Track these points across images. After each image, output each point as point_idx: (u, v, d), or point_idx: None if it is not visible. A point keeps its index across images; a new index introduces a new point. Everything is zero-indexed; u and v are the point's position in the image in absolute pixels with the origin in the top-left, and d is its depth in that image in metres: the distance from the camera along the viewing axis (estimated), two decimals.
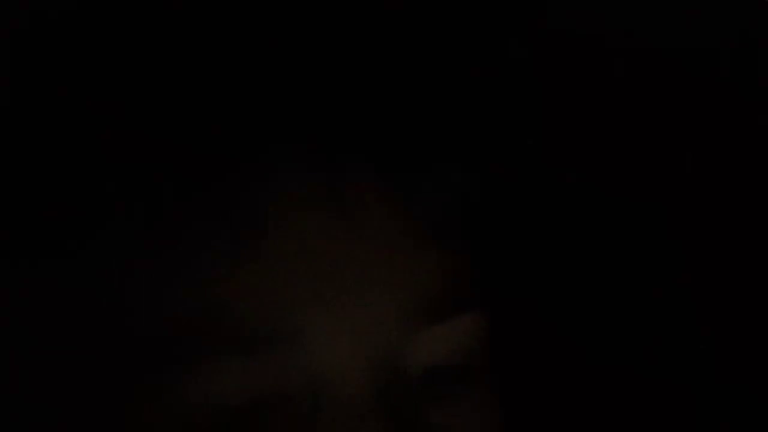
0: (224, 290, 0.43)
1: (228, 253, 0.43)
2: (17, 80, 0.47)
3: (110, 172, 0.44)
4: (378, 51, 0.47)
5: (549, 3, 0.56)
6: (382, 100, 0.46)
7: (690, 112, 0.58)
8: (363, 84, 0.46)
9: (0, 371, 0.45)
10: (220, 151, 0.44)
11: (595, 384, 0.56)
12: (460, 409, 0.46)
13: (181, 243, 0.43)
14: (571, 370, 0.55)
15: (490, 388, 0.47)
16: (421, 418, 0.45)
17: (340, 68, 0.46)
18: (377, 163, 0.45)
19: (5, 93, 0.47)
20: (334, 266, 0.44)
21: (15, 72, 0.47)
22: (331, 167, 0.44)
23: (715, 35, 0.57)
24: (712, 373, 0.58)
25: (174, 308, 0.43)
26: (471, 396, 0.46)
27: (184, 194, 0.44)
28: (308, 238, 0.44)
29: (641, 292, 0.58)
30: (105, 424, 0.44)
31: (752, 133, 0.58)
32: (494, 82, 0.51)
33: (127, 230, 0.44)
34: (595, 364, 0.56)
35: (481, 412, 0.46)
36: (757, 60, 0.57)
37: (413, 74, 0.48)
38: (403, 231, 0.45)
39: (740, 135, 0.58)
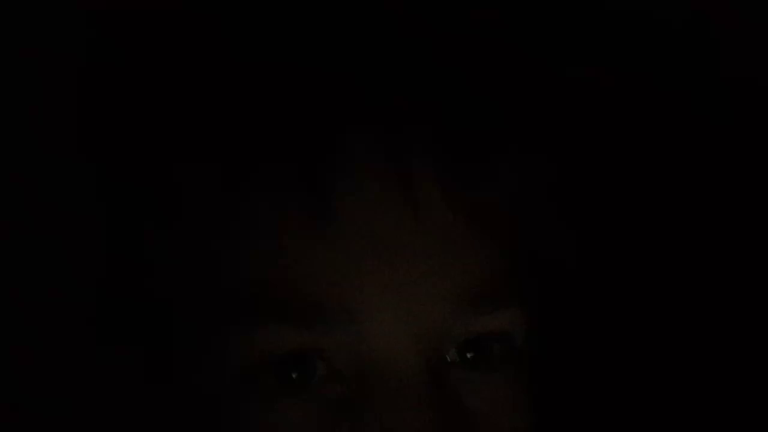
0: (291, 263, 0.45)
1: (299, 228, 0.45)
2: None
3: (195, 149, 0.47)
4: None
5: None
6: (453, 100, 0.48)
7: (690, 114, 0.58)
8: (436, 82, 0.48)
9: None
10: (301, 133, 0.46)
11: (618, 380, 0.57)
12: (495, 393, 0.48)
13: (256, 214, 0.46)
14: (594, 367, 0.56)
15: (525, 377, 0.49)
16: (462, 398, 0.47)
17: (417, 66, 0.48)
18: (443, 159, 0.47)
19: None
20: (394, 251, 0.46)
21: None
22: (401, 159, 0.46)
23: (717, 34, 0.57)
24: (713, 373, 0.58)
25: (245, 274, 0.46)
26: (506, 382, 0.48)
27: (265, 167, 0.46)
28: (374, 223, 0.46)
29: (646, 293, 0.58)
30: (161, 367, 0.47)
31: (752, 133, 0.58)
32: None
33: (208, 198, 0.46)
34: (613, 361, 0.57)
35: (514, 398, 0.49)
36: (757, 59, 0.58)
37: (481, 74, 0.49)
38: (461, 225, 0.47)
39: (740, 135, 0.58)
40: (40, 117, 0.49)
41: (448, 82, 0.48)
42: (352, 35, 0.48)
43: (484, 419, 0.47)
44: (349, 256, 0.45)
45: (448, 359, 0.47)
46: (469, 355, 0.48)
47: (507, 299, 0.48)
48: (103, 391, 0.49)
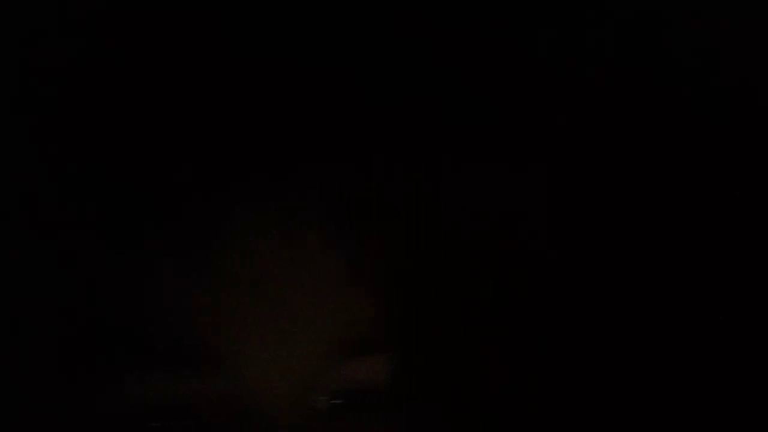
0: (171, 306, 0.46)
1: (180, 271, 0.46)
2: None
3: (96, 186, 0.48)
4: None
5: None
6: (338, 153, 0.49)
7: (690, 114, 0.58)
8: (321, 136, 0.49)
9: None
10: (194, 180, 0.47)
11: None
12: None
13: (137, 257, 0.47)
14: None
15: (393, 418, 0.50)
16: None
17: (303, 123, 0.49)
18: (327, 208, 0.48)
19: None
20: (274, 296, 0.47)
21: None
22: (286, 210, 0.48)
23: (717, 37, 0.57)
24: (711, 374, 0.58)
25: (126, 315, 0.47)
26: (376, 424, 0.50)
27: (149, 213, 0.47)
28: (256, 268, 0.47)
29: (644, 294, 0.58)
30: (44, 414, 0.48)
31: (752, 134, 0.58)
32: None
33: (94, 241, 0.47)
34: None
35: None
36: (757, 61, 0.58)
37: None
38: (339, 273, 0.48)
39: (739, 136, 0.58)
40: (37, 117, 0.49)
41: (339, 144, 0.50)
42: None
43: None
44: (228, 300, 0.46)
45: (319, 407, 0.48)
46: (338, 402, 0.49)
47: (376, 346, 0.49)
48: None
